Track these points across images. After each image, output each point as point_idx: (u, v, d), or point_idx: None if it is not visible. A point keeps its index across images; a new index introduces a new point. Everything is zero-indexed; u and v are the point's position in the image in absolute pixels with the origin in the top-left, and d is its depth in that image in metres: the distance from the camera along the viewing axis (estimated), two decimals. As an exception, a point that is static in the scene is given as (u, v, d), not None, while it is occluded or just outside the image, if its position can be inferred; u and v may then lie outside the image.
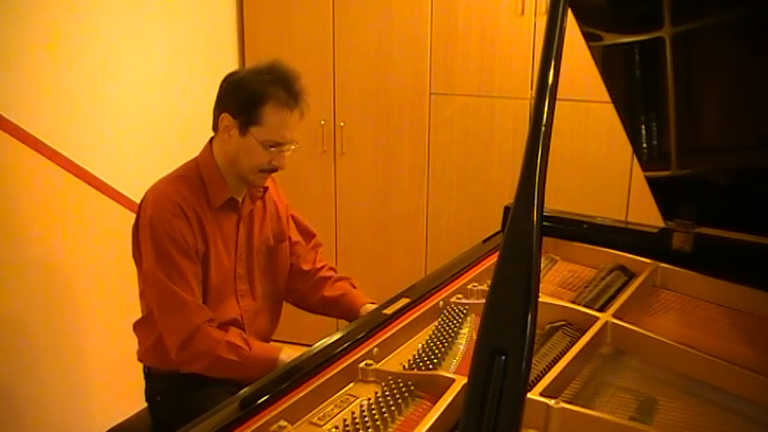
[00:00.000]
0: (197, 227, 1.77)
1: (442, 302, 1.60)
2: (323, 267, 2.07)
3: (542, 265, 1.85)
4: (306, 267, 2.04)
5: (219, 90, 1.81)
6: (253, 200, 1.92)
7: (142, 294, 1.87)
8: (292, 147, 1.81)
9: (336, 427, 1.17)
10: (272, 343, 1.95)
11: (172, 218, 1.73)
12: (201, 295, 1.79)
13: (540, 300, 0.98)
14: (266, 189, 1.94)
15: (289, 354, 1.72)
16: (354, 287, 2.04)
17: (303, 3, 3.14)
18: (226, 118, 1.77)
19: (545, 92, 0.93)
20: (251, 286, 1.93)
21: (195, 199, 1.78)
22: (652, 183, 1.78)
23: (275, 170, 1.82)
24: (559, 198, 2.71)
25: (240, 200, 1.87)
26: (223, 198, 1.82)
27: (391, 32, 3.06)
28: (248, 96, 1.74)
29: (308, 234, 2.10)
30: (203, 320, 1.73)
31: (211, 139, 1.85)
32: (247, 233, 1.90)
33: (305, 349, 1.39)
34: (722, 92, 1.57)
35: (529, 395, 1.17)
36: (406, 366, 1.37)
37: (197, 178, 1.81)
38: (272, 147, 1.76)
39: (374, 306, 1.89)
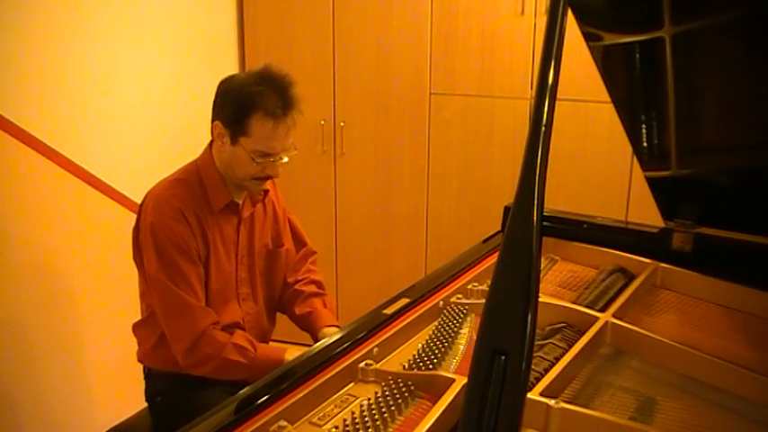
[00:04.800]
0: (198, 231, 1.77)
1: (442, 302, 1.60)
2: (303, 280, 2.02)
3: (542, 265, 1.85)
4: (290, 279, 2.02)
5: (215, 96, 1.79)
6: (253, 203, 1.91)
7: (142, 295, 1.87)
8: (286, 157, 1.76)
9: (336, 427, 1.17)
10: (277, 344, 1.95)
11: (173, 223, 1.73)
12: (205, 298, 1.78)
13: (540, 300, 0.98)
14: (266, 192, 1.94)
15: (294, 354, 1.72)
16: (325, 306, 1.98)
17: (303, 3, 3.14)
18: (218, 126, 1.76)
19: (545, 92, 0.93)
20: (253, 289, 1.92)
21: (195, 203, 1.78)
22: (652, 183, 1.78)
23: (269, 178, 1.81)
24: (559, 198, 2.71)
25: (241, 203, 1.86)
26: (223, 201, 1.81)
27: (391, 32, 3.06)
28: (236, 106, 1.71)
29: (300, 242, 2.07)
30: (208, 324, 1.73)
31: (211, 142, 1.84)
32: (248, 236, 1.90)
33: (306, 350, 1.39)
34: (722, 92, 1.57)
35: (529, 395, 1.17)
36: (406, 366, 1.37)
37: (197, 181, 1.80)
38: (260, 158, 1.73)
39: (333, 330, 1.86)
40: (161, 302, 1.76)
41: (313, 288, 2.02)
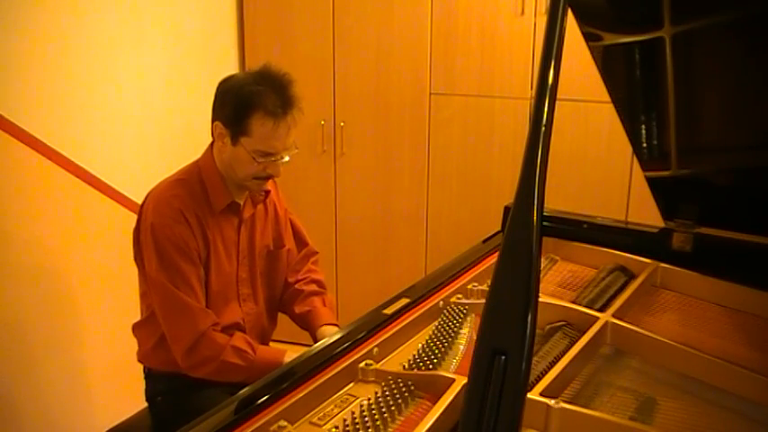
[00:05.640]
0: (198, 231, 1.77)
1: (442, 302, 1.60)
2: (303, 279, 2.02)
3: (542, 265, 1.85)
4: (291, 279, 2.02)
5: (214, 96, 1.78)
6: (254, 203, 1.91)
7: (143, 296, 1.87)
8: (287, 156, 1.76)
9: (336, 427, 1.17)
10: (276, 346, 1.95)
11: (174, 224, 1.73)
12: (205, 299, 1.78)
13: (540, 300, 0.98)
14: (268, 192, 1.93)
15: (292, 356, 1.72)
16: (324, 304, 1.98)
17: (303, 3, 3.14)
18: (218, 126, 1.76)
19: (545, 92, 0.93)
20: (253, 290, 1.92)
21: (196, 204, 1.78)
22: (652, 183, 1.78)
23: (270, 177, 1.80)
24: (559, 198, 2.71)
25: (242, 203, 1.86)
26: (224, 202, 1.81)
27: (391, 32, 3.06)
28: (236, 107, 1.71)
29: (301, 242, 2.07)
30: (208, 325, 1.74)
31: (212, 143, 1.84)
32: (249, 237, 1.89)
33: (306, 350, 1.39)
34: (722, 92, 1.57)
35: (529, 395, 1.17)
36: (406, 366, 1.37)
37: (198, 182, 1.80)
38: (261, 157, 1.72)
39: (332, 328, 1.87)
40: (161, 303, 1.76)
41: (313, 287, 2.01)
